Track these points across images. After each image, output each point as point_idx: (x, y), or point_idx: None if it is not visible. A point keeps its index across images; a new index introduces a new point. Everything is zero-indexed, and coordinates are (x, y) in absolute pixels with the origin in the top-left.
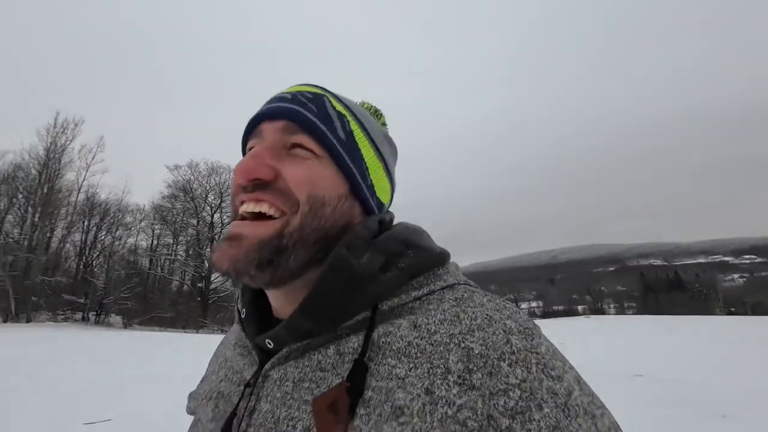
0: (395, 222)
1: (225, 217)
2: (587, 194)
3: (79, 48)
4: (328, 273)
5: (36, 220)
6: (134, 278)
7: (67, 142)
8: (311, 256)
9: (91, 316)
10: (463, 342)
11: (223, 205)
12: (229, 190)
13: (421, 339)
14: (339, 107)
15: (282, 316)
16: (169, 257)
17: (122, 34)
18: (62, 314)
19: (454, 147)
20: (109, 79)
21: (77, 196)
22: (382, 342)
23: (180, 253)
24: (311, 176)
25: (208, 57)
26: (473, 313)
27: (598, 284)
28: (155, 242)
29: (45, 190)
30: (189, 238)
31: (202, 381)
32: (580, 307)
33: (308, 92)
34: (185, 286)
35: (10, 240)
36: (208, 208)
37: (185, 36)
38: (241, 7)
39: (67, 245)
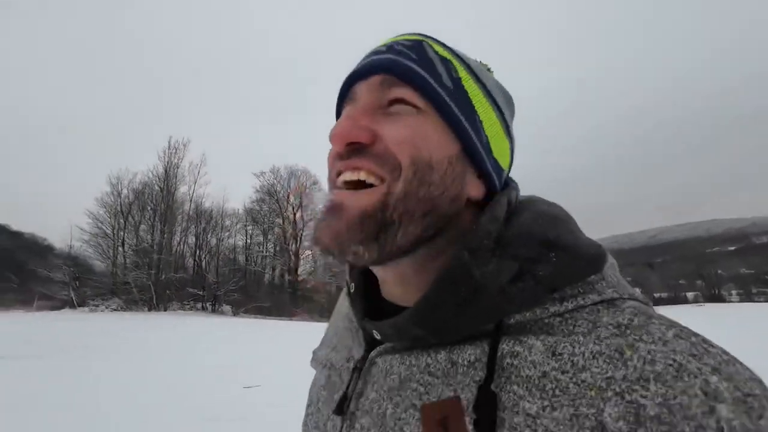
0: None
1: (307, 216)
2: (690, 165)
3: (175, 71)
4: (445, 282)
5: (163, 227)
6: (237, 273)
7: (179, 161)
8: (420, 233)
9: (208, 305)
10: (629, 393)
11: (304, 204)
12: (308, 191)
13: (563, 373)
14: (442, 51)
15: (389, 296)
16: (261, 253)
17: (209, 54)
18: (187, 304)
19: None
20: (201, 95)
21: (190, 205)
22: (507, 363)
23: (269, 249)
24: (413, 135)
25: (286, 67)
26: (649, 352)
27: (714, 267)
28: (249, 241)
29: (167, 203)
30: (276, 236)
31: (322, 341)
32: (689, 294)
33: (405, 40)
34: (276, 279)
35: (145, 245)
36: (291, 208)
37: (263, 51)
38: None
39: (184, 247)
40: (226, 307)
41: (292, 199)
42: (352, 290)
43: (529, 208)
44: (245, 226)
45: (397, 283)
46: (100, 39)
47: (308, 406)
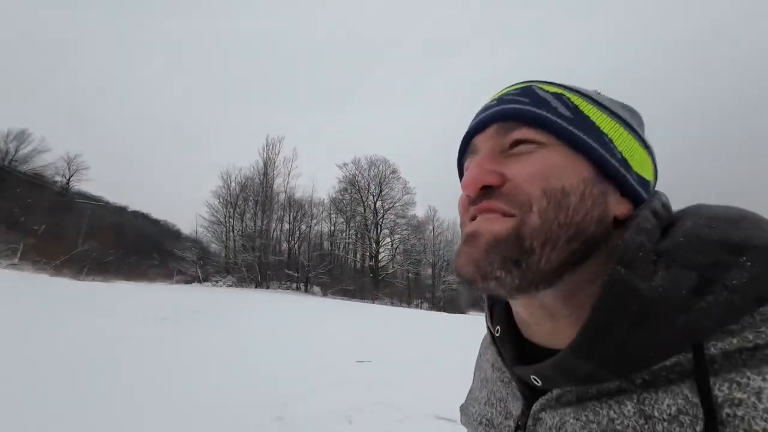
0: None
1: (386, 204)
2: None
3: (270, 69)
4: (607, 302)
5: (262, 215)
6: (326, 258)
7: (275, 156)
8: (565, 259)
9: (301, 286)
10: None
11: (383, 193)
12: (386, 179)
13: None
14: (551, 88)
15: (535, 337)
16: (344, 240)
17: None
18: (284, 284)
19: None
20: (294, 91)
21: (285, 196)
22: (727, 415)
23: (351, 236)
24: (540, 169)
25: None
26: None
27: None
28: (333, 228)
29: (265, 194)
30: (357, 224)
31: (469, 394)
32: None
33: (513, 90)
34: (357, 264)
35: (250, 231)
36: (371, 197)
37: (346, 43)
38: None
39: (280, 233)
40: (316, 288)
41: (372, 187)
42: (497, 333)
43: (691, 214)
44: (330, 214)
45: (545, 318)
46: (205, 48)
47: None
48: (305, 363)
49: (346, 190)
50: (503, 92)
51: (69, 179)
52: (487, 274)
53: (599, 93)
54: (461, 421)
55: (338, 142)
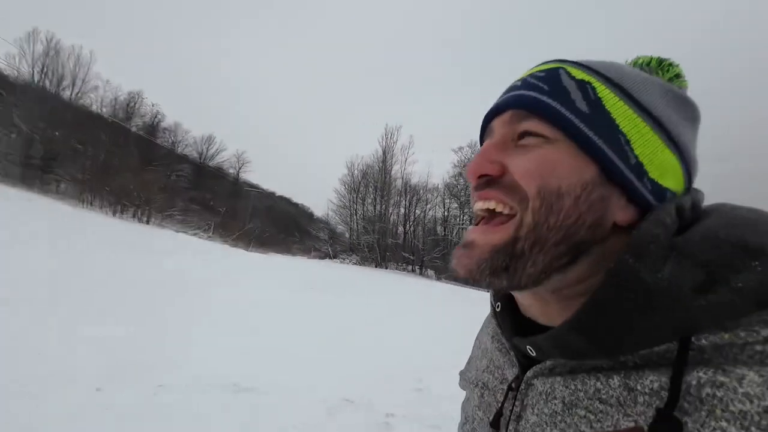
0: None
1: None
2: None
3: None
4: (610, 289)
5: (381, 200)
6: (440, 243)
7: (393, 144)
8: (551, 261)
9: (416, 269)
10: None
11: None
12: None
13: None
14: (580, 74)
15: (530, 314)
16: (457, 225)
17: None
18: (401, 266)
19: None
20: (411, 75)
21: (401, 182)
22: (707, 395)
23: (465, 222)
24: (540, 165)
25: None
26: None
27: None
28: (447, 214)
29: (384, 180)
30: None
31: (468, 362)
32: None
33: (540, 71)
34: None
35: (370, 215)
36: None
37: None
38: None
39: (397, 218)
40: (430, 272)
41: None
42: (498, 309)
43: (715, 212)
44: (444, 199)
45: (537, 302)
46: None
47: (463, 424)
48: (430, 342)
49: (460, 174)
50: (531, 72)
51: (239, 171)
52: (477, 280)
53: (668, 66)
54: (459, 384)
55: (456, 125)
